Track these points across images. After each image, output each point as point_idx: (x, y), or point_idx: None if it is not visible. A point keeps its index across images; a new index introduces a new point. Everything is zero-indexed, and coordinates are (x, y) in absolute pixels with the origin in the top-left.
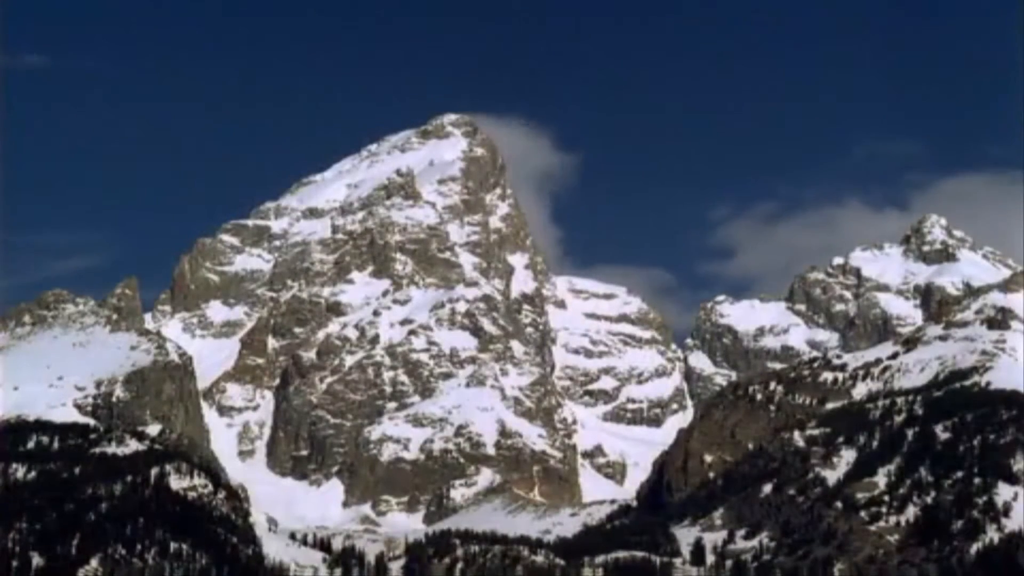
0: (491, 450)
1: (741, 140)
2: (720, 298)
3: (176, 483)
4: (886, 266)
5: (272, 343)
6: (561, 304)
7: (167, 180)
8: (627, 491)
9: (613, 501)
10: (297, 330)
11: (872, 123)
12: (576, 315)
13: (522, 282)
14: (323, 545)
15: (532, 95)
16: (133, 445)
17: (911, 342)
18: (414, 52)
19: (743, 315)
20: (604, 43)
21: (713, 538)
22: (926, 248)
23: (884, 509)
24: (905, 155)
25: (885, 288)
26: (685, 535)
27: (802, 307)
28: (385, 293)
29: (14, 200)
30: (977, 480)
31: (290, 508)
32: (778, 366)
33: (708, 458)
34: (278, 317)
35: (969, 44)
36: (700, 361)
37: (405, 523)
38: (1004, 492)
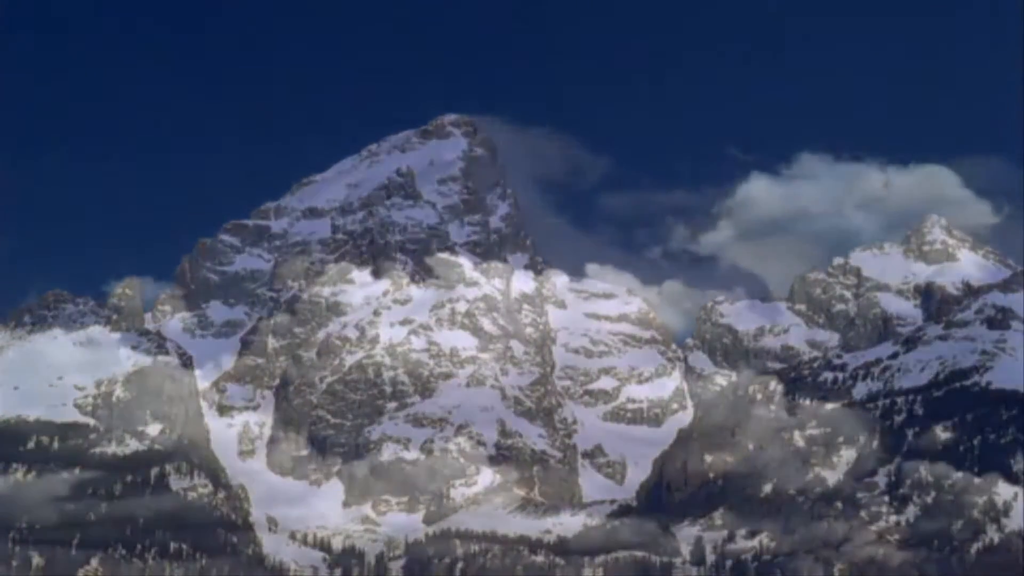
0: (491, 450)
1: (742, 140)
2: (720, 298)
3: (176, 483)
4: (886, 266)
5: (272, 343)
6: (561, 304)
7: (167, 180)
8: (627, 491)
9: (613, 501)
10: (297, 330)
11: (873, 122)
12: (576, 315)
13: (522, 282)
14: (323, 545)
15: (532, 95)
16: (133, 445)
17: (911, 342)
18: (414, 52)
19: (743, 315)
20: (604, 43)
21: (713, 538)
22: (926, 248)
23: (884, 509)
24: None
25: (885, 288)
26: (685, 535)
27: (802, 307)
28: (385, 293)
29: (14, 199)
30: (977, 480)
31: (290, 508)
32: (778, 366)
33: (708, 458)
34: (278, 317)
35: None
36: (700, 361)
37: (405, 523)
38: (1004, 492)
